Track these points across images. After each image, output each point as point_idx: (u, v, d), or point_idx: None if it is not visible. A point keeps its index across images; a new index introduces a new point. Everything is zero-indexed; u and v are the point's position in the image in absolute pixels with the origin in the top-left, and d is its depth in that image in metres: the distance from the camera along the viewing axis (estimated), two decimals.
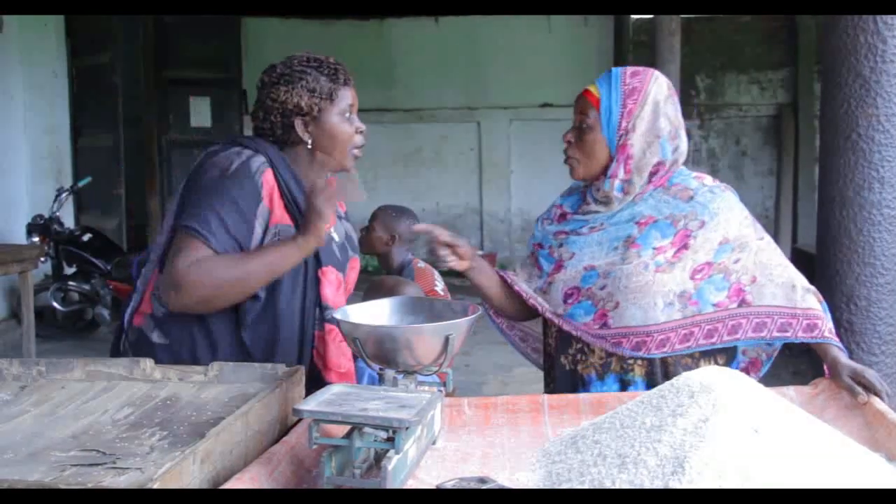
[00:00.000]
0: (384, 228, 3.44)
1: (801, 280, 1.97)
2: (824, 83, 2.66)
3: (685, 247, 1.93)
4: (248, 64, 9.73)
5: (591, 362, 2.00)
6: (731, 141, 10.44)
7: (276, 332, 1.94)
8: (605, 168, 1.99)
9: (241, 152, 1.96)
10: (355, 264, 2.16)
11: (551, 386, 2.12)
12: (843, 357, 1.84)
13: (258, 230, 1.91)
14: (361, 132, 2.05)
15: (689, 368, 1.90)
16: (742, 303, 1.93)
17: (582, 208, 2.07)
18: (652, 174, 1.98)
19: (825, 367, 1.89)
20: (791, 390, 1.80)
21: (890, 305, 2.54)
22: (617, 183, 1.97)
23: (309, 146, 2.01)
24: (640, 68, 2.03)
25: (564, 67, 10.55)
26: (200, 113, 9.13)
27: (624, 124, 1.96)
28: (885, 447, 1.53)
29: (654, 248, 1.93)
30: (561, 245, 2.05)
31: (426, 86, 10.72)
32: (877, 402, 1.69)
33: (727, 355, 2.02)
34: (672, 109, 1.99)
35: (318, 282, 1.98)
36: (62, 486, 1.21)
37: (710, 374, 1.43)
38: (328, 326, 1.98)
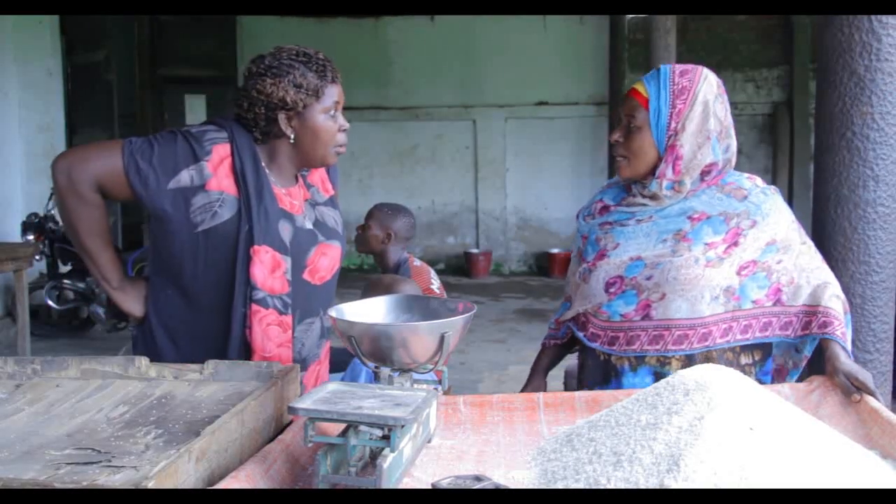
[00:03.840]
0: (380, 226, 3.43)
1: (834, 286, 1.98)
2: (819, 81, 2.66)
3: (735, 244, 1.95)
4: (243, 62, 9.65)
5: (626, 353, 2.00)
6: None
7: (190, 309, 2.02)
8: (653, 168, 1.98)
9: (207, 126, 2.04)
10: (327, 250, 2.11)
11: (582, 376, 2.13)
12: (842, 356, 1.84)
13: (185, 178, 1.93)
14: (344, 130, 2.06)
15: (730, 364, 1.92)
16: (777, 302, 1.97)
17: (627, 200, 2.06)
18: (704, 174, 1.98)
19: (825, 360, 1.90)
20: (786, 387, 1.81)
21: (885, 303, 2.55)
22: (665, 183, 1.96)
23: (291, 140, 2.02)
24: (689, 66, 2.01)
25: (560, 66, 10.57)
26: (196, 111, 9.14)
27: (673, 125, 1.94)
28: (879, 444, 1.53)
29: (706, 244, 1.94)
30: (606, 234, 2.05)
31: (422, 84, 10.73)
32: (871, 399, 1.69)
33: (763, 353, 2.03)
34: (722, 109, 1.98)
35: (249, 260, 1.95)
36: (57, 485, 1.20)
37: (706, 372, 1.44)
38: (254, 307, 1.96)
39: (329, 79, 2.02)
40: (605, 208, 2.10)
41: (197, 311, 2.02)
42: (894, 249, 2.53)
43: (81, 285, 6.91)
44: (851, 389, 1.73)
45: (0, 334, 6.63)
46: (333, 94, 2.02)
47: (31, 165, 7.33)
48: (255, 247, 1.94)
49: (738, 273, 1.95)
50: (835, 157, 2.55)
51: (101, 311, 6.86)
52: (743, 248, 1.95)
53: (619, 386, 1.99)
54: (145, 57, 8.76)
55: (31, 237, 6.70)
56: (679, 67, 2.00)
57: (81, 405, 1.61)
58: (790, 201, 9.95)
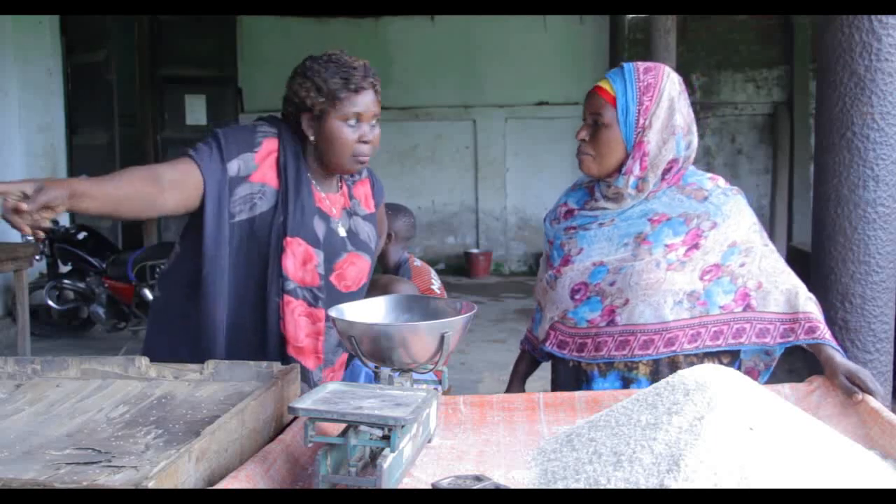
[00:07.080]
0: None
1: (803, 288, 1.98)
2: (819, 81, 2.66)
3: (696, 247, 1.94)
4: (243, 62, 9.71)
5: (594, 359, 2.00)
6: (726, 139, 10.46)
7: (217, 301, 1.97)
8: (619, 165, 1.99)
9: (260, 121, 2.09)
10: (356, 260, 2.14)
11: (555, 382, 2.13)
12: (838, 356, 1.84)
13: (233, 167, 1.96)
14: (366, 142, 2.06)
15: None
16: (747, 307, 1.95)
17: (589, 204, 2.06)
18: (665, 171, 1.98)
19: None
20: (786, 388, 1.81)
21: (885, 303, 2.55)
22: (632, 180, 1.97)
23: (312, 141, 2.05)
24: (651, 64, 2.02)
25: (560, 66, 10.56)
26: (196, 111, 9.13)
27: (641, 121, 1.95)
28: (879, 444, 1.53)
29: (666, 246, 1.94)
30: (570, 238, 2.06)
31: (422, 84, 10.72)
32: (871, 400, 1.69)
33: (731, 357, 2.02)
34: (685, 105, 1.99)
35: (282, 252, 1.98)
36: (57, 485, 1.21)
37: (706, 372, 1.44)
38: (286, 297, 1.99)
39: (353, 88, 2.01)
40: (570, 212, 2.11)
41: (210, 312, 1.98)
42: (894, 249, 2.53)
43: (81, 285, 6.90)
44: (853, 389, 1.72)
45: (0, 334, 6.63)
46: (356, 103, 2.02)
47: (32, 165, 7.32)
48: (289, 238, 1.98)
49: (702, 278, 1.93)
50: (835, 157, 2.55)
51: (101, 311, 6.86)
52: (704, 251, 1.94)
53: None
54: (145, 57, 8.74)
55: (31, 237, 6.69)
56: (642, 65, 2.00)
57: (81, 405, 1.62)
58: (790, 201, 9.98)
